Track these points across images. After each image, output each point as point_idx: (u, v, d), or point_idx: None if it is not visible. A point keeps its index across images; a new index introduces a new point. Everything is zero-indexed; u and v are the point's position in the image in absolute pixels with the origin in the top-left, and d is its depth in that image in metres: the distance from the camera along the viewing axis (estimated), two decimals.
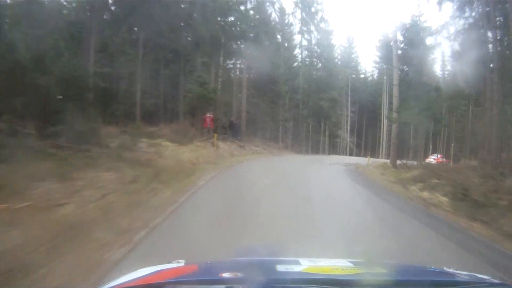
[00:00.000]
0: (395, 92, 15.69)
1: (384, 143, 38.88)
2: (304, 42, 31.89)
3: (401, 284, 1.19)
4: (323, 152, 31.94)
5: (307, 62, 31.86)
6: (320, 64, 32.13)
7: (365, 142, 41.78)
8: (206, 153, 14.71)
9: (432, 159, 26.87)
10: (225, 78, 25.07)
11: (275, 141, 28.14)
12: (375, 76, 45.49)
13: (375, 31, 75.36)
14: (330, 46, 34.05)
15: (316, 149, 31.47)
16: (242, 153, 19.06)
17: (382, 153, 38.41)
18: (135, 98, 16.50)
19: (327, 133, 32.59)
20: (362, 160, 20.15)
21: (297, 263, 1.35)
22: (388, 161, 17.45)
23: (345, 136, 34.12)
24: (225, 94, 24.14)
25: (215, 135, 17.55)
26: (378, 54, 42.46)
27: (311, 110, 29.26)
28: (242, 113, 23.51)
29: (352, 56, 44.76)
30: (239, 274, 1.12)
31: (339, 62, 38.87)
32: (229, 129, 23.84)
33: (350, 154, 33.53)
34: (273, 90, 26.83)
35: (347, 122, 37.32)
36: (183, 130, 17.16)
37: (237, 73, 26.67)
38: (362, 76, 46.31)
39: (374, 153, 41.38)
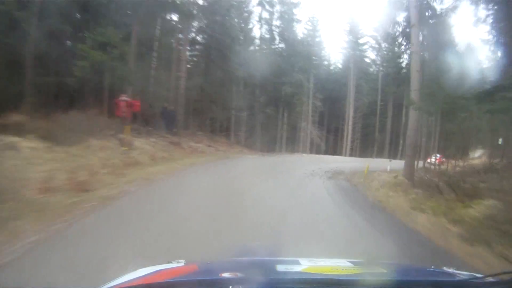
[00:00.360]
0: (416, 78, 10.51)
1: (348, 139, 34.86)
2: (265, 14, 26.21)
3: (401, 284, 1.15)
4: (284, 148, 26.87)
5: (267, 38, 26.20)
6: (282, 44, 26.61)
7: (327, 137, 37.52)
8: (100, 160, 8.69)
9: (434, 159, 24.49)
10: (166, 55, 18.81)
11: (226, 135, 22.52)
12: (339, 65, 41.46)
13: (342, 14, 70.25)
14: (295, 22, 28.60)
15: (273, 144, 26.32)
16: (174, 154, 13.09)
17: (346, 150, 34.40)
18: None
19: (285, 126, 27.41)
20: (343, 163, 15.50)
21: (297, 263, 1.35)
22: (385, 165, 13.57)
23: (309, 128, 29.28)
24: (162, 74, 17.94)
25: (127, 128, 11.44)
26: (347, 39, 38.38)
27: (270, 96, 23.77)
28: (180, 98, 17.45)
29: (316, 40, 40.14)
30: (239, 274, 1.11)
31: (302, 44, 33.83)
32: (162, 119, 17.73)
33: (317, 152, 28.82)
34: (223, 70, 21.02)
35: (309, 112, 32.43)
36: (82, 121, 10.84)
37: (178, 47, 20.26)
38: (325, 63, 41.90)
39: (336, 149, 37.62)
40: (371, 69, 40.11)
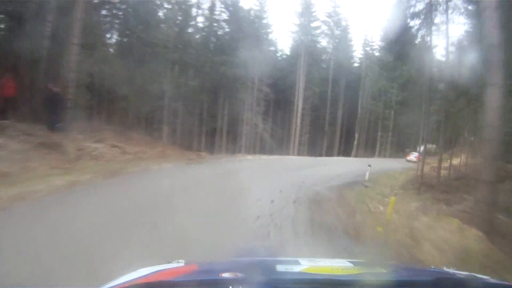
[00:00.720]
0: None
1: (297, 133, 31.36)
2: None
3: (401, 284, 1.15)
4: (224, 146, 22.21)
5: (205, 8, 21.04)
6: (225, 15, 21.60)
7: (273, 131, 33.58)
8: None
9: (413, 157, 22.93)
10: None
11: (148, 130, 17.25)
12: (288, 52, 37.65)
13: None
14: None
15: (212, 141, 21.58)
16: (32, 167, 7.76)
17: (294, 147, 30.94)
18: None
19: (226, 118, 22.59)
20: (313, 171, 11.76)
21: (297, 263, 1.35)
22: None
23: (256, 120, 24.93)
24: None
25: None
26: (298, 22, 34.55)
27: (207, 79, 18.69)
28: (70, 73, 11.84)
29: (263, 22, 35.80)
30: (239, 274, 1.10)
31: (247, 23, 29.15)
32: (45, 107, 12.04)
33: (263, 149, 24.62)
34: (144, 42, 15.64)
35: (255, 100, 28.03)
36: None
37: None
38: (272, 48, 37.82)
39: (283, 144, 34.05)
40: (323, 57, 37.22)
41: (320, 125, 33.88)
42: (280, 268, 1.27)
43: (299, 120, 31.22)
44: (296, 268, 1.26)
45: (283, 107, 33.41)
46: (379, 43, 36.12)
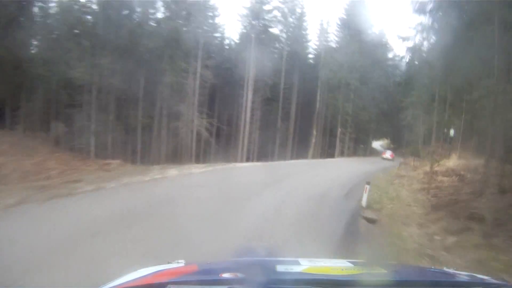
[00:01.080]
0: None
1: (246, 131, 27.15)
2: None
3: (401, 285, 1.16)
4: (140, 152, 16.76)
5: None
6: None
7: (218, 130, 28.58)
8: None
9: (388, 155, 23.25)
10: None
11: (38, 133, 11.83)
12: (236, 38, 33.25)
13: None
14: None
15: (125, 143, 16.32)
16: None
17: (243, 148, 26.74)
18: None
19: (140, 111, 16.75)
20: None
21: (297, 263, 1.34)
22: None
23: (194, 115, 20.15)
24: None
25: None
26: (248, 4, 30.29)
27: (122, 55, 13.06)
28: None
29: (209, 3, 31.05)
30: (239, 274, 1.11)
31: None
32: None
33: (205, 155, 19.89)
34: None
35: (196, 88, 23.08)
36: None
37: None
38: (218, 35, 33.09)
39: (229, 149, 29.62)
40: (276, 46, 33.44)
41: (272, 121, 30.21)
42: (280, 268, 1.26)
43: (248, 115, 27.17)
44: (296, 268, 1.26)
45: (231, 102, 29.16)
46: (337, 33, 33.63)
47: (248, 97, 27.65)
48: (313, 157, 27.69)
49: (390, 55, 36.35)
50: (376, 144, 47.52)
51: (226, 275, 1.09)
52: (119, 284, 1.10)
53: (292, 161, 21.55)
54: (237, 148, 27.56)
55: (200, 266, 1.38)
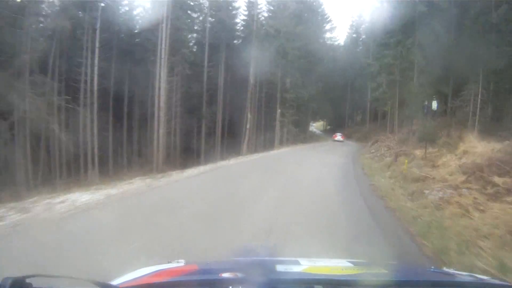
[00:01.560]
0: None
1: (161, 119, 20.71)
2: None
3: (401, 285, 1.14)
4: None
5: None
6: None
7: (116, 115, 21.66)
8: None
9: (340, 137, 24.76)
10: None
11: None
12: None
13: None
14: None
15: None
16: None
17: (159, 141, 20.35)
18: None
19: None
20: None
21: (297, 263, 1.34)
22: None
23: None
24: None
25: None
26: None
27: None
28: None
29: None
30: (239, 274, 1.09)
31: None
32: None
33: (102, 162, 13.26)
34: None
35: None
36: None
37: None
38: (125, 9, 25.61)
39: (141, 147, 23.04)
40: (195, 16, 27.25)
41: (195, 106, 24.29)
42: (280, 268, 1.26)
43: (162, 99, 20.85)
44: (296, 268, 1.26)
45: (142, 83, 22.46)
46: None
47: (161, 76, 21.25)
48: (248, 148, 22.49)
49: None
50: (312, 127, 44.46)
51: (226, 275, 1.07)
52: (120, 284, 1.06)
53: (233, 162, 14.49)
54: (152, 142, 21.32)
55: (200, 266, 1.39)
